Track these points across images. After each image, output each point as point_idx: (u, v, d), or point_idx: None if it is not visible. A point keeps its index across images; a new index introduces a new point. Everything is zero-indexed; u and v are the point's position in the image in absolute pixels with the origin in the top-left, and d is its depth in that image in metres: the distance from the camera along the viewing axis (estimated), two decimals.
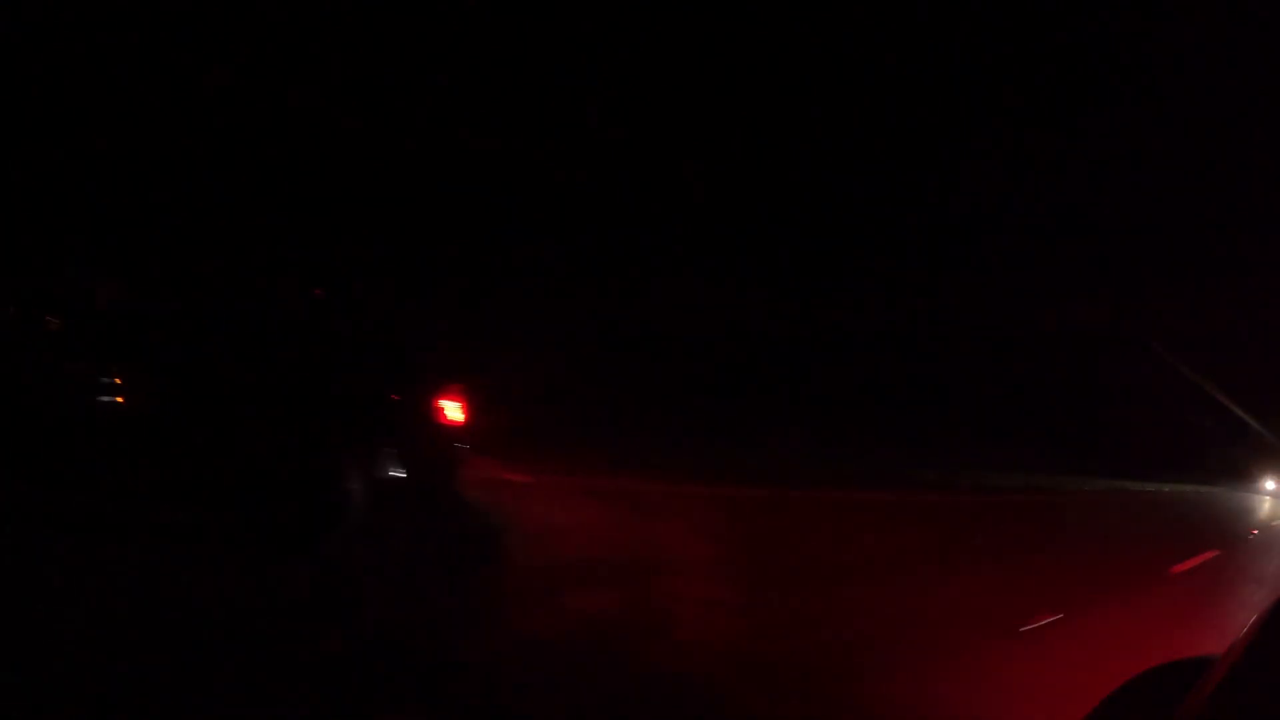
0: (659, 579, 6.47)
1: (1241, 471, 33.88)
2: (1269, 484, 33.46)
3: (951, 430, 24.61)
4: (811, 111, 21.49)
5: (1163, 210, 35.00)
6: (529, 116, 15.06)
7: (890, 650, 5.31)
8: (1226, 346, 31.36)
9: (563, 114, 16.29)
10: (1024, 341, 31.58)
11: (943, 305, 27.88)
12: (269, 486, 5.71)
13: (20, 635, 3.69)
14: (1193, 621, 7.28)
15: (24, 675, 3.31)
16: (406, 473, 6.18)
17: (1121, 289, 33.29)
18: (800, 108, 21.20)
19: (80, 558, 4.70)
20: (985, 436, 25.68)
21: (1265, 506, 28.74)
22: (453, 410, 6.39)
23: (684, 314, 18.79)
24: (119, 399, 5.81)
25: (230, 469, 5.72)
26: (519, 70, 15.32)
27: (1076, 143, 32.92)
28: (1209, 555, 11.74)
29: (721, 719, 4.06)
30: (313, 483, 5.85)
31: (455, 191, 14.02)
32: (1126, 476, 30.37)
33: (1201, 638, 6.06)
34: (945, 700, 4.56)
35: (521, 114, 14.92)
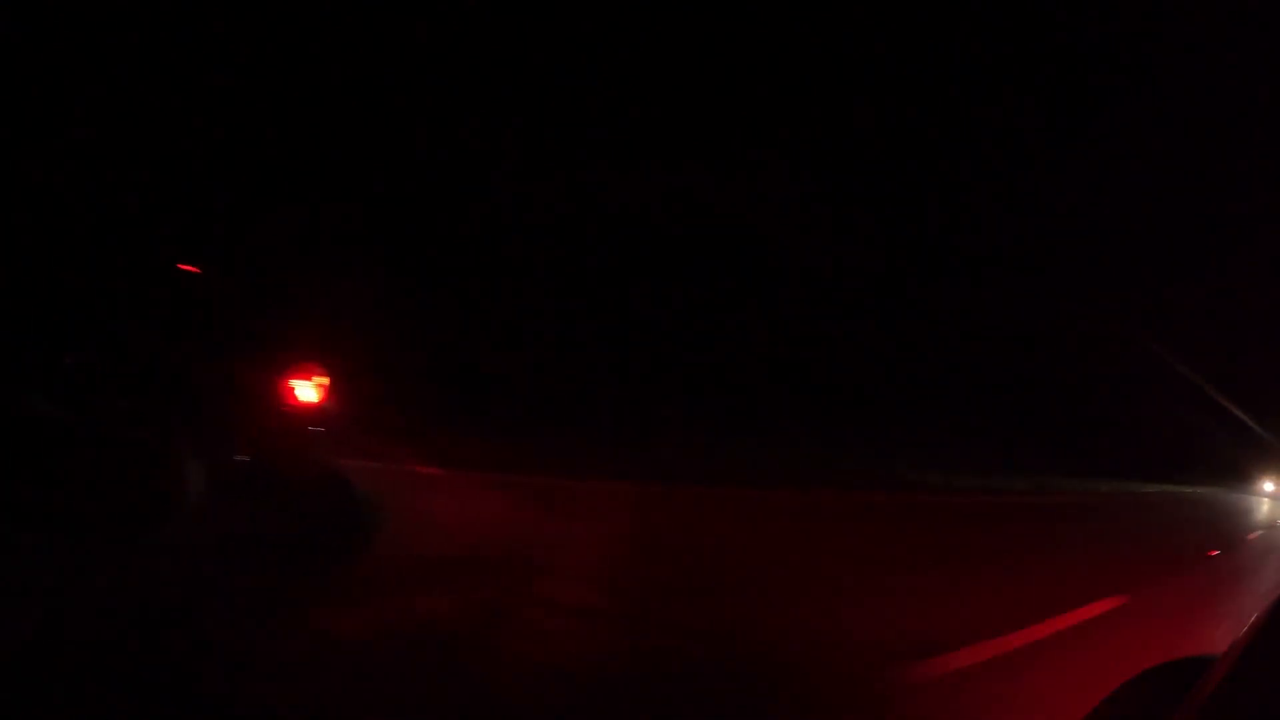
0: (537, 580, 5.84)
1: (1241, 473, 34.08)
2: (1268, 485, 33.74)
3: (948, 431, 23.89)
4: (806, 111, 20.89)
5: (1163, 210, 34.40)
6: (470, 100, 14.51)
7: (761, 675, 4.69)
8: (1226, 346, 30.83)
9: (523, 101, 15.77)
10: (1023, 341, 30.93)
11: (941, 306, 27.24)
12: (95, 470, 5.21)
13: None
14: (1270, 559, 14.04)
15: None
16: (251, 457, 5.64)
17: (1121, 289, 32.68)
18: (796, 107, 20.62)
19: None
20: (983, 438, 25.02)
21: (1265, 507, 30.24)
22: (305, 391, 5.81)
23: (657, 310, 18.23)
24: None
25: (51, 450, 5.21)
26: (473, 55, 14.82)
27: (1077, 143, 32.32)
28: (1259, 533, 19.41)
29: None
30: (143, 466, 5.34)
31: (398, 172, 13.49)
32: (1133, 479, 30.22)
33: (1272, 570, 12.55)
34: None
35: (463, 97, 14.37)
